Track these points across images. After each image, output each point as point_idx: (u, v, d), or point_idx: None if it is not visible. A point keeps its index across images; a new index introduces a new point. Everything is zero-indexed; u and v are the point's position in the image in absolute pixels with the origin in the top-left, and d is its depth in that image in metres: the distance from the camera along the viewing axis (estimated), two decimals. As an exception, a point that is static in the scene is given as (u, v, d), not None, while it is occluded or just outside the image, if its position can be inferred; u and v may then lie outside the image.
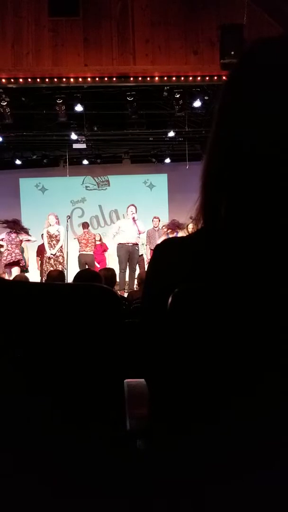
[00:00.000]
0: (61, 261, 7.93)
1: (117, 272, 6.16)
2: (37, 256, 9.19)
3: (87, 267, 8.09)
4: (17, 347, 0.78)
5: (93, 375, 0.78)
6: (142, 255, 8.80)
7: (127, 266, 7.88)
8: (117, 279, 6.18)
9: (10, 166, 10.89)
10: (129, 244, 7.82)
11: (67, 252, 8.14)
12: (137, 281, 6.65)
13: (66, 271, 7.54)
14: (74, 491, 0.78)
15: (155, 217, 8.96)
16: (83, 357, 0.78)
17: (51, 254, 7.83)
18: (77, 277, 3.24)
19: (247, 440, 0.64)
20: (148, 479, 0.74)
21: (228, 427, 0.64)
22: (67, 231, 8.23)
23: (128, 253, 7.82)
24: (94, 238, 8.94)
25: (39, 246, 8.97)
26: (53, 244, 7.91)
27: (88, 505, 0.79)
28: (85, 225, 9.08)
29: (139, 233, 8.01)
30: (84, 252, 8.68)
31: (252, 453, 0.64)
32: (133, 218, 7.86)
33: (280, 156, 0.67)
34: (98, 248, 9.08)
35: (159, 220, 8.95)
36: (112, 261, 8.76)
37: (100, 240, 9.34)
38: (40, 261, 8.86)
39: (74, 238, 9.02)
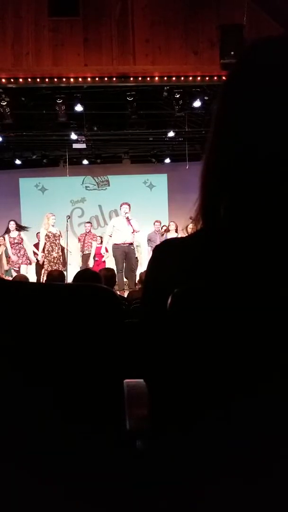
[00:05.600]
0: (61, 260, 7.95)
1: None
2: (34, 255, 9.14)
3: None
4: (16, 347, 0.78)
5: (93, 375, 0.78)
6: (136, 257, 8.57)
7: (124, 267, 7.81)
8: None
9: (10, 166, 10.89)
10: (125, 245, 7.75)
11: (67, 251, 8.13)
12: (137, 281, 6.64)
13: (66, 271, 7.54)
14: (73, 491, 0.78)
15: (156, 221, 8.91)
16: (83, 357, 0.78)
17: (56, 254, 7.86)
18: (77, 277, 3.24)
19: (247, 442, 0.64)
20: (148, 479, 0.74)
21: (228, 428, 0.64)
22: (67, 231, 8.22)
23: (125, 254, 7.75)
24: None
25: (34, 246, 8.90)
26: (57, 243, 7.91)
27: (88, 506, 0.79)
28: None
29: (134, 232, 7.89)
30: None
31: (252, 454, 0.64)
32: (127, 218, 7.73)
33: (280, 156, 0.67)
34: (97, 249, 9.07)
35: (161, 224, 8.91)
36: (109, 262, 8.72)
37: (101, 242, 9.31)
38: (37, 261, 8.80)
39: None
